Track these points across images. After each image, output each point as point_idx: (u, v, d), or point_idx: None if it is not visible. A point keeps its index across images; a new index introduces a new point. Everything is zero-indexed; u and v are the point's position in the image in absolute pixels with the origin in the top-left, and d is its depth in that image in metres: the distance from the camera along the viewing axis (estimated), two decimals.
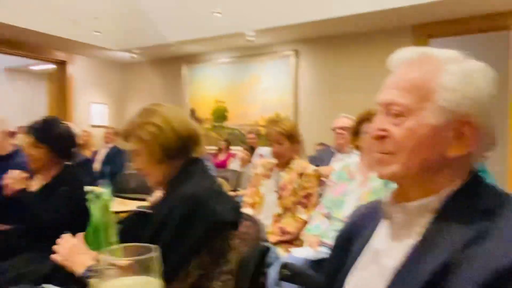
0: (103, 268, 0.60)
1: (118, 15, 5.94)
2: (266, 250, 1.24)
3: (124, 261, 0.58)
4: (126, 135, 1.20)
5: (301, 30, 5.16)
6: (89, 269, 1.00)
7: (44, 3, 5.12)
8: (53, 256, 1.08)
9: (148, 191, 3.96)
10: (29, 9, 4.99)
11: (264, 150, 5.08)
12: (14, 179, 1.99)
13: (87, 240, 2.07)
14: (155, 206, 1.25)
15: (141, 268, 0.59)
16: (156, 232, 1.06)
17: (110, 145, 5.59)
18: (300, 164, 2.33)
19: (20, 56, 6.31)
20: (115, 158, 5.45)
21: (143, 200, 3.60)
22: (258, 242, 1.22)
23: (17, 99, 7.74)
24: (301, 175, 2.27)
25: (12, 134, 2.80)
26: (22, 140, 3.30)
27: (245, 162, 4.78)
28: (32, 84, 8.24)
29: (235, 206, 1.20)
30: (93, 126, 6.49)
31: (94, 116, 6.74)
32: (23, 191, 2.01)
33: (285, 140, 2.29)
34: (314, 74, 5.64)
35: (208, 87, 6.45)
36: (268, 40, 5.62)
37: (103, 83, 6.98)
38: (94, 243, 2.10)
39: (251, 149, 5.03)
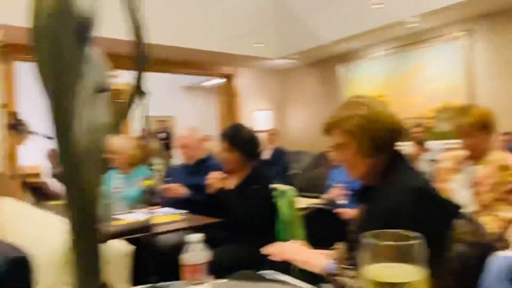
0: (367, 251, 0.61)
1: (275, 24, 6.30)
2: (488, 250, 1.12)
3: (392, 245, 0.58)
4: (330, 128, 1.21)
5: (475, 6, 4.56)
6: (331, 264, 1.03)
7: (212, 24, 5.78)
8: (280, 254, 1.15)
9: (313, 189, 4.08)
10: (200, 31, 5.69)
11: (434, 144, 4.67)
12: (215, 179, 2.28)
13: (277, 235, 2.23)
14: (363, 200, 1.23)
15: (404, 256, 0.59)
16: (378, 226, 1.05)
17: (273, 147, 5.94)
18: (499, 155, 2.04)
19: (194, 74, 7.27)
20: (279, 158, 5.77)
21: (313, 197, 3.71)
22: (478, 240, 1.11)
23: (192, 112, 8.92)
24: (502, 168, 1.99)
25: (202, 141, 3.22)
26: (210, 146, 3.78)
27: (416, 157, 4.47)
28: (204, 98, 9.39)
29: (449, 201, 1.12)
30: (258, 131, 7.00)
31: (258, 122, 7.27)
32: (222, 189, 2.29)
33: (478, 130, 2.04)
34: (493, 54, 4.91)
35: (365, 84, 6.27)
36: (433, 24, 5.15)
37: (265, 91, 7.49)
38: (283, 236, 2.25)
39: (419, 143, 4.68)
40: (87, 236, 0.45)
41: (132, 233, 1.38)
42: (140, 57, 0.52)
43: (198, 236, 0.96)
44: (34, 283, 1.26)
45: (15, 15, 4.27)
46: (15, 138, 3.48)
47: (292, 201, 2.21)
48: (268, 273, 1.18)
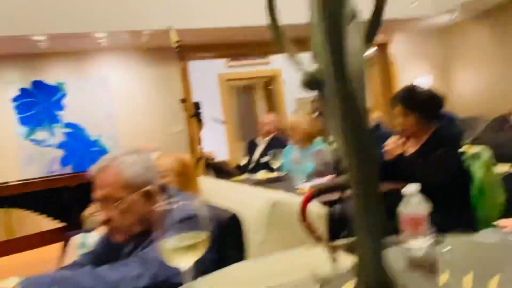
0: None
1: None
2: None
3: None
4: None
5: None
6: None
7: None
8: None
9: (499, 156, 3.53)
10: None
11: None
12: (393, 144, 2.17)
13: (473, 201, 2.00)
14: None
15: None
16: None
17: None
18: None
19: None
20: (450, 124, 5.20)
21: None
22: None
23: None
24: None
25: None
26: (377, 115, 3.64)
27: None
28: None
29: None
30: None
31: None
32: (402, 155, 2.17)
33: None
34: None
35: None
36: None
37: (424, 55, 6.83)
38: (480, 204, 2.00)
39: None
40: (363, 152, 0.45)
41: (331, 190, 1.41)
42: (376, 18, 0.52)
43: (415, 187, 0.91)
44: (245, 240, 1.41)
45: (189, 19, 4.86)
46: (196, 126, 3.98)
47: (488, 164, 1.95)
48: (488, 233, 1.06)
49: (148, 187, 1.16)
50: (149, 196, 1.16)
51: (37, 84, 5.32)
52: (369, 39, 0.51)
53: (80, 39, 4.91)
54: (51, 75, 5.37)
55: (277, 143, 3.62)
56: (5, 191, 4.22)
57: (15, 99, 5.25)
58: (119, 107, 5.56)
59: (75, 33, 4.64)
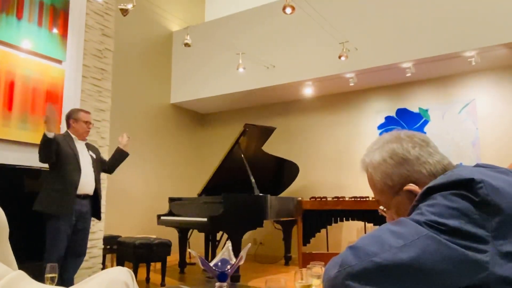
0: None
1: None
2: None
3: None
4: None
5: None
6: None
7: None
8: None
9: None
10: None
11: None
12: None
13: None
14: None
15: None
16: None
17: None
18: None
19: None
20: None
21: None
22: None
23: None
24: None
25: None
26: None
27: None
28: None
29: None
30: None
31: None
32: None
33: None
34: None
35: None
36: None
37: None
38: None
39: None
40: None
41: None
42: None
43: None
44: None
45: None
46: None
47: None
48: None
49: (408, 186, 0.87)
50: (414, 194, 0.86)
51: (401, 112, 5.61)
52: None
53: (447, 62, 4.79)
54: (414, 102, 5.52)
55: None
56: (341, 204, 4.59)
57: (380, 127, 5.72)
58: (484, 134, 4.97)
59: (443, 55, 4.57)
